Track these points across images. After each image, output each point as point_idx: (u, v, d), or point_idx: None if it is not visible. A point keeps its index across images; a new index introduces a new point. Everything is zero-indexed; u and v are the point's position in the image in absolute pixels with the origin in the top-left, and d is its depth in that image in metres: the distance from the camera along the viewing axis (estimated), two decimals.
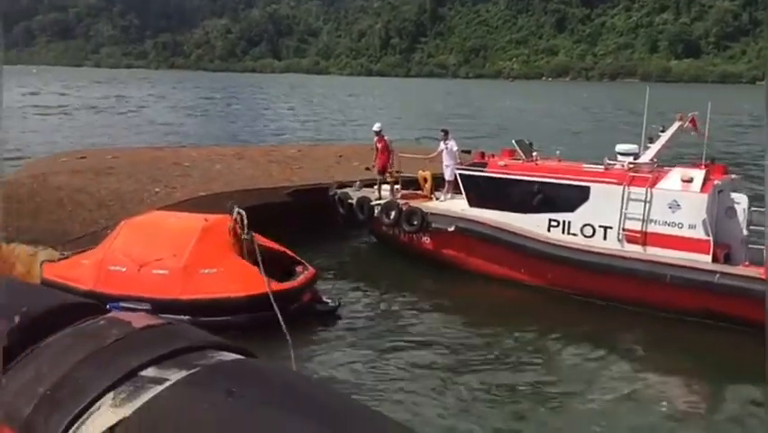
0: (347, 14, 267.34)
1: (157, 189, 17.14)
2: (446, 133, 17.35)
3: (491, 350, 11.85)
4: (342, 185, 18.33)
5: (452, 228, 15.35)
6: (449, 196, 17.17)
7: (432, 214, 15.86)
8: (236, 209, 12.41)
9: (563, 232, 14.37)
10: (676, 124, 14.51)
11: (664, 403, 10.23)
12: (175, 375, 2.32)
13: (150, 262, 11.83)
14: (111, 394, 2.34)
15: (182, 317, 11.30)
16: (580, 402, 10.11)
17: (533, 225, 14.63)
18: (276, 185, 18.45)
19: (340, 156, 23.49)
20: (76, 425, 2.33)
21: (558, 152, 16.65)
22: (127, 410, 2.30)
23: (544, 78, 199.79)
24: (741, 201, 13.66)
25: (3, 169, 18.82)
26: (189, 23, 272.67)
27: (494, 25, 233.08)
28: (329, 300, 12.92)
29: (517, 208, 14.89)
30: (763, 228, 14.13)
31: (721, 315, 12.40)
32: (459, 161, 17.07)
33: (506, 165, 15.46)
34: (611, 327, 12.93)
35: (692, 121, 14.66)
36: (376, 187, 17.76)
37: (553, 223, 14.50)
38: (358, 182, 18.39)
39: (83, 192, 16.46)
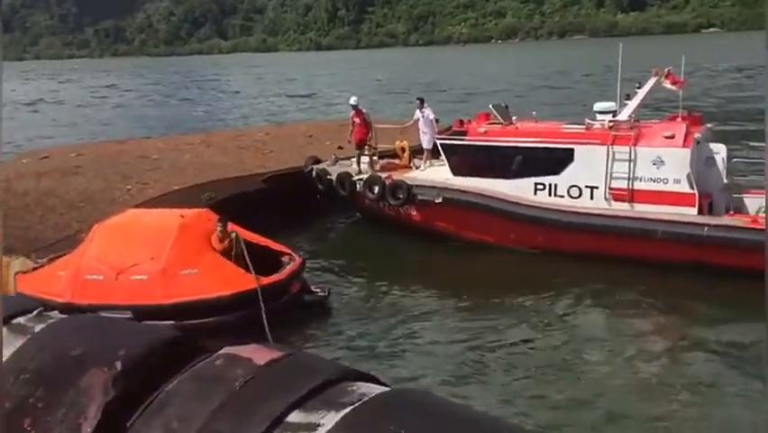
0: None
1: (128, 186, 16.55)
2: (422, 101, 17.20)
3: (495, 320, 11.78)
4: (317, 160, 17.99)
5: (439, 199, 15.26)
6: (428, 164, 17.08)
7: (417, 186, 15.69)
8: (219, 226, 11.83)
9: (550, 195, 14.49)
10: (652, 80, 14.60)
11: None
12: (326, 419, 2.03)
13: (128, 267, 11.28)
14: None
15: (166, 322, 10.93)
16: (595, 365, 10.18)
17: (518, 189, 14.69)
18: (250, 172, 18.03)
19: (310, 136, 23.04)
20: None
21: (534, 113, 16.72)
22: None
23: (493, 41, 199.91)
24: (720, 151, 14.06)
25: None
26: (130, 8, 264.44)
27: None
28: (318, 289, 12.49)
29: (502, 174, 14.93)
30: (743, 177, 14.49)
31: (712, 265, 12.68)
32: (436, 128, 17.00)
33: (486, 131, 15.42)
34: (610, 283, 13.01)
35: (668, 75, 14.71)
36: (354, 160, 17.50)
37: (539, 186, 14.57)
38: (333, 156, 18.06)
39: (51, 195, 15.78)
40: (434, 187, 15.55)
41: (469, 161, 15.57)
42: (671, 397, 9.21)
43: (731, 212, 13.73)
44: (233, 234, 11.87)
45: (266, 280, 11.41)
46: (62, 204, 15.48)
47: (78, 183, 16.66)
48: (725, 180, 14.05)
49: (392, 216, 16.25)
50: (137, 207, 15.19)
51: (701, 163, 13.85)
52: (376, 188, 16.03)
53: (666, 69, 14.73)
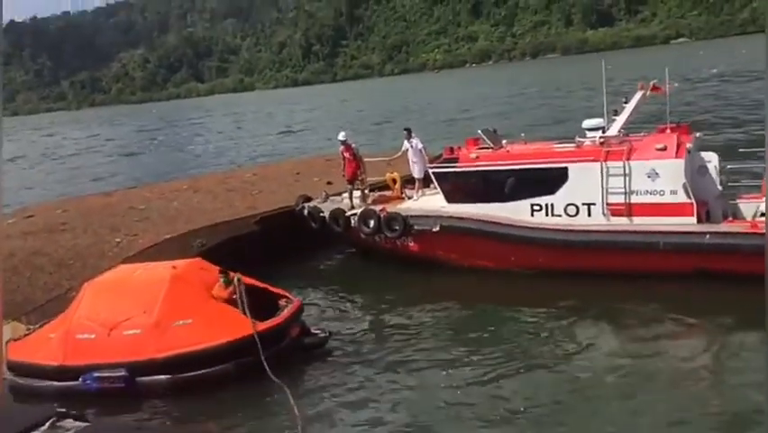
0: (264, 28, 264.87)
1: (117, 240, 16.21)
2: (409, 131, 17.29)
3: (499, 346, 11.51)
4: (307, 198, 17.86)
5: (436, 228, 15.14)
6: (420, 193, 17.03)
7: (412, 216, 15.58)
8: (221, 277, 11.58)
9: (547, 215, 14.44)
10: (639, 94, 14.72)
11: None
12: None
13: (120, 322, 10.92)
14: None
15: (161, 376, 10.63)
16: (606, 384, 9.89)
17: (515, 212, 14.64)
18: (240, 215, 17.75)
19: (297, 173, 22.87)
20: None
21: (523, 135, 16.74)
22: None
23: (468, 65, 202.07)
24: (712, 159, 14.10)
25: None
26: (105, 58, 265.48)
27: (412, 19, 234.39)
28: (318, 331, 12.07)
29: (497, 198, 14.88)
30: (735, 185, 14.47)
31: (715, 272, 12.70)
32: (427, 157, 16.99)
33: (477, 156, 15.38)
34: (616, 299, 12.93)
35: (654, 88, 14.88)
36: (346, 195, 17.38)
37: (536, 207, 14.53)
38: (324, 193, 17.94)
39: (39, 254, 15.41)
40: (429, 216, 15.41)
41: (462, 187, 15.48)
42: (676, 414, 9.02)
43: (729, 219, 13.82)
44: (237, 278, 11.57)
45: (264, 325, 11.07)
46: (51, 263, 15.12)
47: (66, 240, 16.32)
48: (719, 188, 14.07)
49: (389, 249, 16.06)
50: (128, 259, 14.89)
51: (695, 172, 13.86)
52: (371, 222, 15.87)
53: (651, 83, 14.88)
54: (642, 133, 15.00)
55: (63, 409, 4.31)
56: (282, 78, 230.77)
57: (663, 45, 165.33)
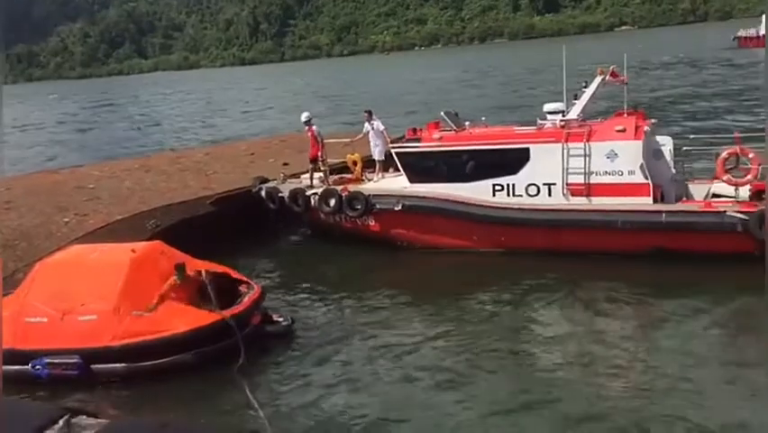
0: (210, 5, 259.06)
1: (66, 219, 15.56)
2: (370, 113, 17.31)
3: (463, 326, 11.50)
4: (264, 180, 17.58)
5: (398, 207, 15.18)
6: (380, 176, 17.04)
7: (374, 195, 15.58)
8: (176, 275, 10.99)
9: (508, 195, 14.68)
10: (598, 79, 15.01)
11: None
12: None
13: (75, 307, 10.42)
14: None
15: (118, 365, 10.24)
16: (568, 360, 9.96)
17: (477, 192, 14.79)
18: (195, 195, 17.26)
19: (252, 153, 22.42)
20: None
21: (483, 118, 16.83)
22: None
23: (417, 48, 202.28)
24: (666, 143, 14.58)
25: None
26: (42, 32, 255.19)
27: (361, 0, 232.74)
28: (280, 318, 11.72)
29: (460, 178, 14.99)
30: (688, 167, 15.14)
31: (672, 250, 13.14)
32: (388, 139, 17.01)
33: (441, 137, 15.47)
34: (574, 276, 13.15)
35: (613, 73, 15.24)
36: (305, 177, 17.25)
37: (498, 187, 14.73)
38: (282, 175, 17.74)
39: None
40: (392, 195, 15.46)
41: (425, 167, 15.53)
42: (642, 390, 9.14)
43: (683, 200, 14.28)
44: (204, 271, 11.20)
45: (225, 313, 10.69)
46: None
47: (10, 219, 15.58)
48: (673, 171, 14.52)
49: (350, 229, 15.98)
50: (78, 240, 14.30)
51: (650, 156, 14.22)
52: (332, 201, 15.81)
53: (610, 68, 15.23)
54: (599, 119, 15.30)
55: (74, 406, 4.19)
56: (229, 57, 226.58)
57: (608, 32, 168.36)
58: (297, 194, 16.34)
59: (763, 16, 68.53)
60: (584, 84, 15.21)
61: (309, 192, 16.33)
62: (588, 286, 12.83)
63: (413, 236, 15.41)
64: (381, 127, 17.00)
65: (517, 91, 50.30)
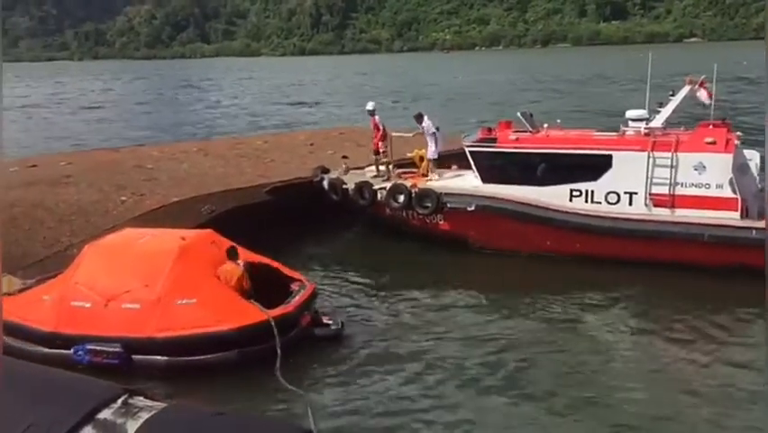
0: None
1: (123, 198, 15.44)
2: (419, 116, 16.86)
3: (530, 335, 11.08)
4: (325, 170, 17.18)
5: (471, 207, 14.80)
6: (435, 175, 16.54)
7: (447, 194, 15.17)
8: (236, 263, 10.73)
9: (586, 201, 14.41)
10: (686, 88, 14.64)
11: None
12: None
13: (119, 294, 10.12)
14: None
15: (159, 357, 9.90)
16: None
17: (554, 196, 14.53)
18: (252, 182, 16.99)
19: (311, 144, 22.08)
20: None
21: (559, 121, 16.33)
22: None
23: (477, 48, 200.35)
24: (753, 157, 14.42)
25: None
26: (111, 11, 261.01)
27: None
28: (330, 321, 11.20)
29: (536, 181, 14.75)
30: None
31: (757, 268, 12.20)
32: (439, 139, 16.75)
33: (517, 139, 15.11)
34: (648, 288, 13.00)
35: (702, 84, 14.70)
36: (368, 169, 17.03)
37: (575, 193, 14.47)
38: (344, 165, 17.38)
39: (40, 207, 14.63)
40: (465, 194, 15.10)
41: (500, 168, 15.20)
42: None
43: None
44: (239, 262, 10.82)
45: (273, 313, 10.23)
46: (52, 217, 14.34)
47: (69, 194, 15.53)
48: (758, 186, 14.23)
49: (417, 226, 15.62)
50: (133, 220, 14.16)
51: (737, 169, 13.95)
52: (401, 197, 15.45)
53: (701, 78, 14.66)
54: (681, 128, 14.94)
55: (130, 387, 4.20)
56: (289, 47, 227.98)
57: (676, 43, 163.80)
58: (363, 187, 15.90)
59: None
60: (671, 93, 14.76)
61: (377, 186, 15.87)
62: (656, 300, 12.51)
63: (484, 238, 15.00)
64: (432, 129, 16.48)
65: (588, 96, 48.95)
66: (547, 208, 14.39)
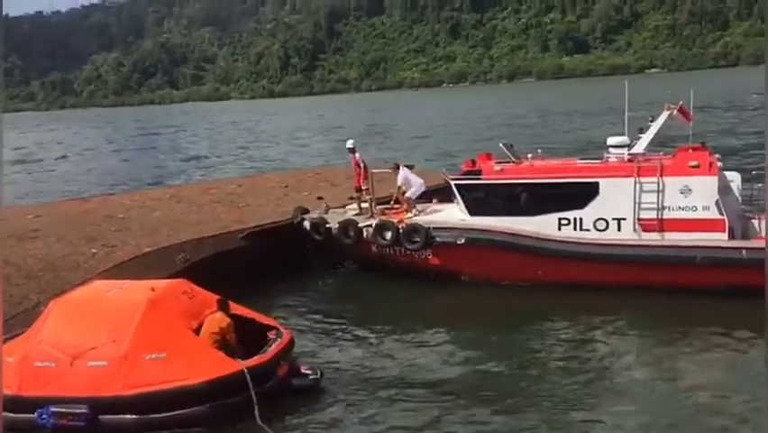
0: (242, 38, 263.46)
1: (93, 250, 14.90)
2: (396, 166, 16.79)
3: (528, 380, 10.58)
4: (305, 210, 16.87)
5: (461, 240, 14.65)
6: (414, 212, 16.23)
7: (435, 228, 15.01)
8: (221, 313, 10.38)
9: (575, 229, 14.41)
10: (665, 114, 14.81)
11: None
12: None
13: (85, 351, 9.56)
14: None
15: (127, 416, 9.34)
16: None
17: (542, 226, 14.49)
18: (227, 228, 16.54)
19: (285, 186, 21.75)
20: None
21: (539, 150, 16.29)
22: None
23: (444, 85, 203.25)
24: (734, 179, 14.53)
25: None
26: (77, 60, 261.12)
27: (391, 37, 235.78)
28: (309, 371, 10.62)
29: (524, 212, 14.71)
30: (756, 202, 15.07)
31: (749, 287, 12.32)
32: (418, 180, 16.68)
33: (502, 170, 15.12)
34: (643, 313, 12.97)
35: (681, 109, 14.90)
36: (349, 207, 16.86)
37: (564, 221, 14.47)
38: (325, 205, 17.12)
39: (6, 263, 14.00)
40: (454, 228, 14.93)
41: (487, 200, 15.15)
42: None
43: (759, 235, 14.16)
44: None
45: (248, 363, 9.74)
46: (19, 273, 13.73)
47: (37, 248, 14.95)
48: (741, 207, 14.48)
49: (406, 263, 15.33)
50: (104, 273, 13.63)
51: (720, 191, 14.06)
52: (388, 234, 15.19)
53: (679, 103, 14.87)
54: (661, 153, 15.09)
55: None
56: (258, 89, 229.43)
57: (638, 74, 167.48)
58: (348, 225, 15.60)
59: None
60: (650, 119, 14.94)
61: (362, 223, 15.59)
62: (650, 323, 12.51)
63: (475, 271, 14.82)
64: (408, 175, 16.51)
65: (552, 126, 49.46)
66: (538, 238, 14.36)
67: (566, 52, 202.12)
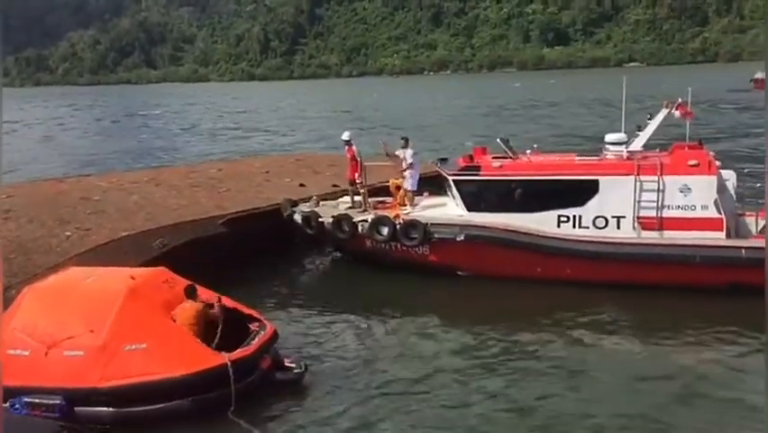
0: (221, 19, 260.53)
1: (68, 233, 14.41)
2: (406, 140, 16.28)
3: (518, 374, 10.46)
4: (294, 202, 16.45)
5: (461, 237, 14.45)
6: (411, 206, 15.93)
7: (434, 224, 14.77)
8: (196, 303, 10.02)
9: (574, 226, 14.36)
10: (664, 111, 14.75)
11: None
12: None
13: (61, 341, 9.22)
14: None
15: (104, 409, 9.04)
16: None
17: (541, 223, 14.43)
18: (207, 214, 16.10)
19: (267, 172, 21.30)
20: None
21: (535, 146, 16.09)
22: None
23: (425, 73, 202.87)
24: (730, 177, 14.55)
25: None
26: (53, 36, 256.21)
27: (372, 23, 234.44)
28: (293, 364, 10.40)
29: (522, 208, 14.60)
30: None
31: (747, 286, 12.35)
32: (418, 169, 16.21)
33: (501, 166, 14.95)
34: (639, 311, 12.99)
35: (680, 106, 14.78)
36: (341, 200, 16.50)
37: (563, 219, 14.42)
38: (314, 198, 16.69)
39: None
40: (453, 224, 14.72)
41: (486, 196, 14.98)
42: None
43: (755, 234, 14.23)
44: (217, 304, 10.12)
45: (231, 356, 9.45)
46: None
47: (8, 230, 14.43)
48: (736, 205, 14.56)
49: (401, 259, 15.07)
50: (78, 256, 13.18)
51: (718, 189, 14.14)
52: (385, 230, 14.92)
53: (678, 101, 14.76)
54: (657, 150, 15.06)
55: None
56: (238, 72, 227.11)
57: (617, 68, 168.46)
58: (342, 220, 15.24)
59: None
60: (648, 116, 14.88)
61: (357, 218, 15.26)
62: (650, 319, 12.47)
63: (474, 267, 14.64)
64: (410, 159, 15.88)
65: (538, 120, 49.40)
66: (538, 235, 14.27)
67: (547, 44, 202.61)
